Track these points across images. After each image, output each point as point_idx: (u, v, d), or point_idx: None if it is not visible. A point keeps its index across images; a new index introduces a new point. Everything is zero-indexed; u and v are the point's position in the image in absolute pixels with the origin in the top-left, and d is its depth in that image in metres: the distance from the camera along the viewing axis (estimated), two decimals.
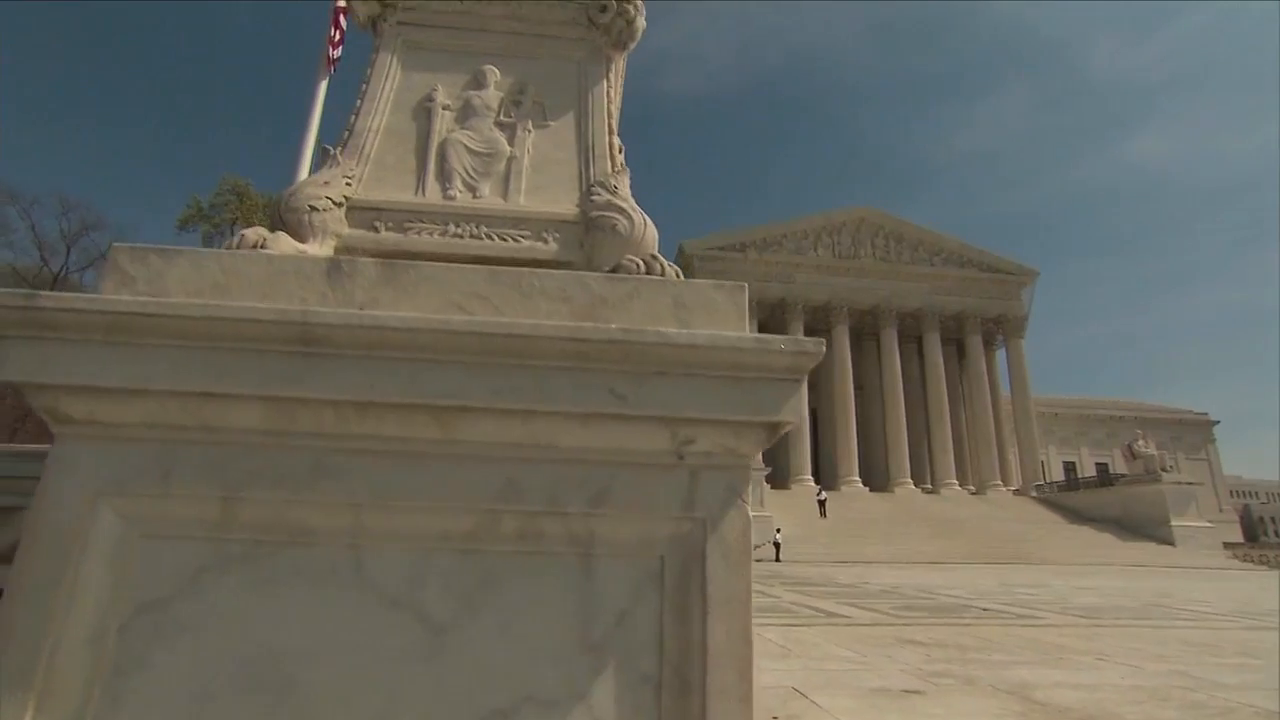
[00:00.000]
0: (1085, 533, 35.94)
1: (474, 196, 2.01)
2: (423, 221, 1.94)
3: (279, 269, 1.57)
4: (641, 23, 2.29)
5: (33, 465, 4.03)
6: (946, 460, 45.32)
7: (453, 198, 2.00)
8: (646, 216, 1.99)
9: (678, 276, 1.85)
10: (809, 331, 46.93)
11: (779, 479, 39.77)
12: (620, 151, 2.19)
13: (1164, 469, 36.73)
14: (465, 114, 2.15)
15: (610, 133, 2.17)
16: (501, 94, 2.20)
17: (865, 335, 48.57)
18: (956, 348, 50.12)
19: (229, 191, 30.74)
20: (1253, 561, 33.96)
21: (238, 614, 1.34)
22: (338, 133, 2.16)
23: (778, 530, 27.95)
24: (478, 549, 1.46)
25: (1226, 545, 36.94)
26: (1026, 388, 48.01)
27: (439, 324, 1.41)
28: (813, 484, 40.83)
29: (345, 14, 24.41)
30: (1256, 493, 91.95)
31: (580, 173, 2.10)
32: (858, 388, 45.92)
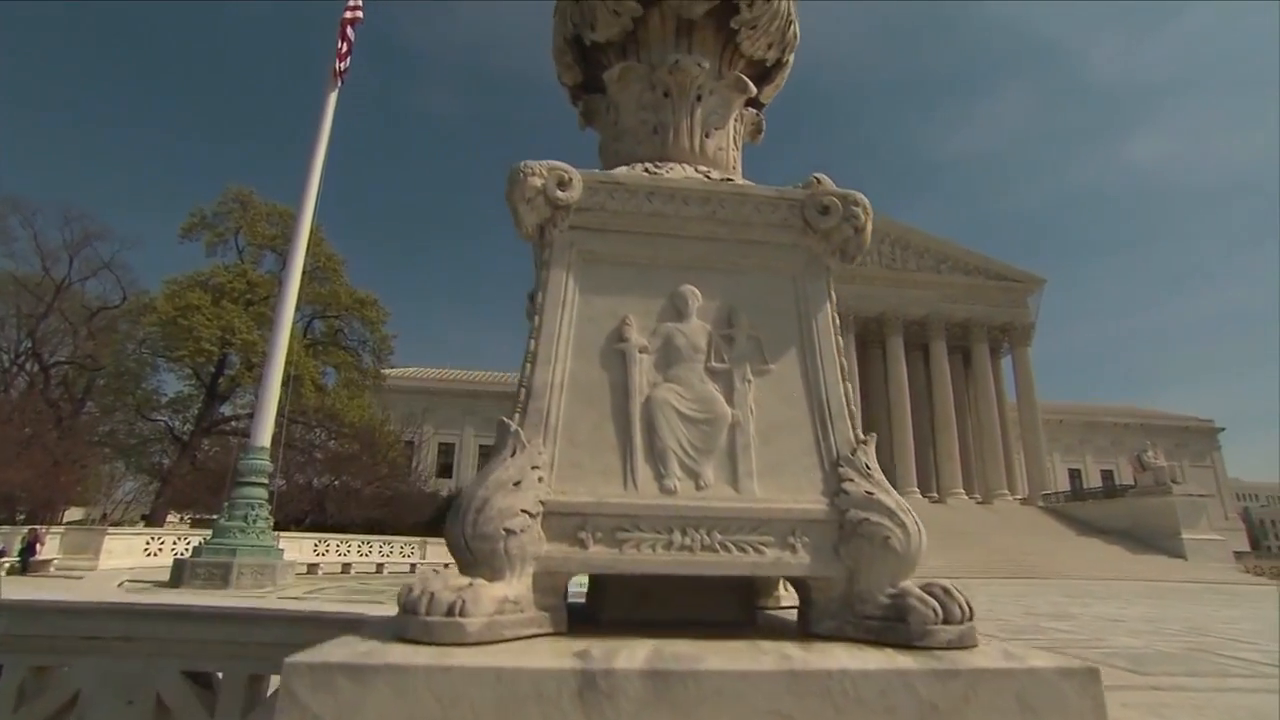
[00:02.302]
0: (1095, 545, 35.73)
1: (697, 486, 1.59)
2: (640, 529, 1.51)
3: (513, 691, 1.15)
4: (870, 229, 1.86)
5: (81, 622, 3.61)
6: (953, 469, 45.06)
7: (671, 490, 1.57)
8: (916, 516, 1.57)
9: (967, 611, 1.44)
10: None
11: None
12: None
13: (1174, 480, 36.52)
14: (667, 358, 1.72)
15: (842, 377, 1.75)
16: (708, 326, 1.76)
17: (871, 343, 48.18)
18: (962, 356, 49.81)
19: (232, 200, 30.13)
20: (1264, 575, 33.76)
21: None
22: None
23: None
24: None
25: (1236, 555, 36.83)
26: (1033, 396, 47.75)
27: None
28: None
29: (353, 25, 23.56)
30: (1257, 495, 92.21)
31: (817, 441, 1.67)
32: (863, 396, 45.56)
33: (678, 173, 1.97)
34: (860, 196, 1.85)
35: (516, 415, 1.60)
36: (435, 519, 33.26)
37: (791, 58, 2.44)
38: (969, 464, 47.29)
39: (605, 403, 1.65)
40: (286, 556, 18.16)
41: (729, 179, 2.01)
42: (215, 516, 19.94)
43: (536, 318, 1.71)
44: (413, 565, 26.68)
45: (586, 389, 1.66)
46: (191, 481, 29.03)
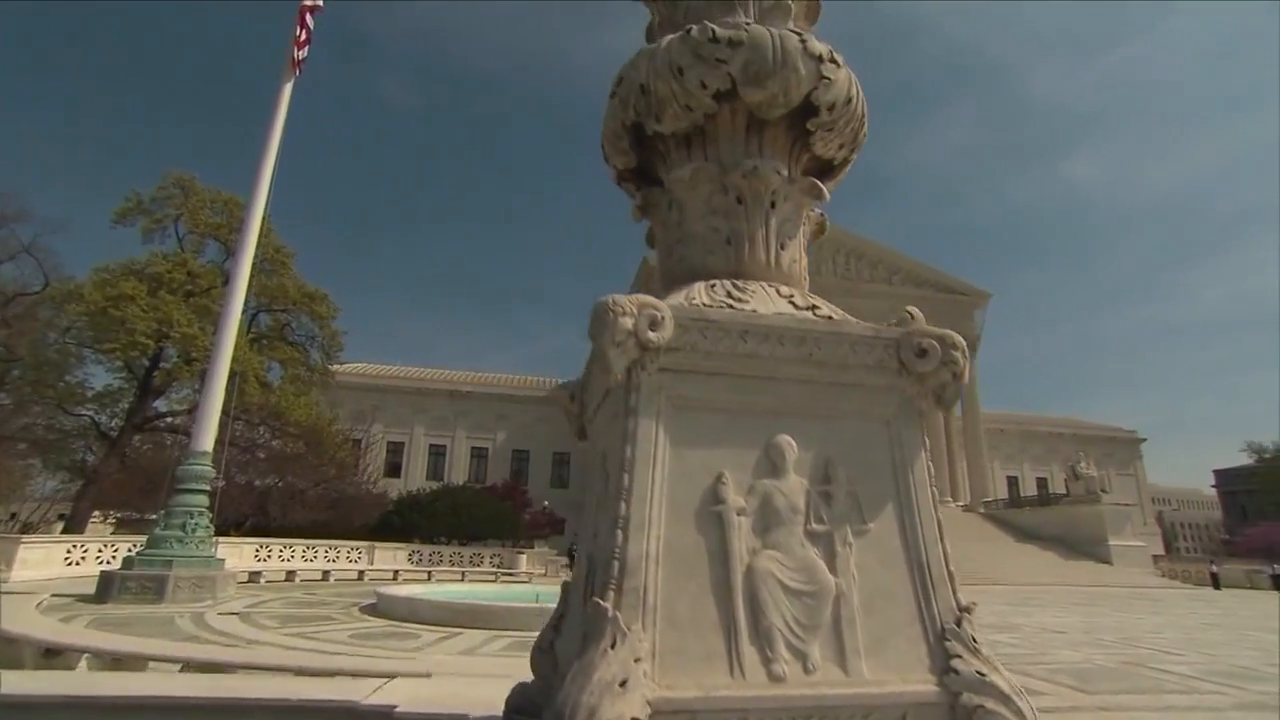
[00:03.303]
0: (1031, 551, 37.57)
1: (805, 669, 1.47)
2: None
3: None
4: (967, 374, 1.78)
5: (29, 717, 3.24)
6: None
7: (780, 676, 1.45)
8: (1028, 700, 1.50)
9: None
10: None
11: None
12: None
13: (1103, 490, 38.80)
14: (765, 520, 1.60)
15: (940, 535, 1.66)
16: (805, 483, 1.65)
17: None
18: None
19: (173, 185, 28.24)
20: (1177, 578, 36.31)
21: None
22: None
23: None
24: None
25: (1154, 559, 39.48)
26: (977, 407, 49.85)
27: None
28: None
29: (312, 13, 22.41)
30: (1169, 500, 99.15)
31: (919, 609, 1.58)
32: None
33: (763, 300, 1.84)
34: (959, 339, 1.76)
35: (611, 594, 1.44)
36: (383, 522, 32.17)
37: (857, 156, 2.36)
38: None
39: (704, 573, 1.52)
40: (227, 565, 17.16)
41: (814, 306, 1.90)
42: (148, 517, 18.57)
43: (625, 476, 1.56)
44: (360, 572, 25.68)
45: (683, 558, 1.52)
46: (119, 481, 27.16)
